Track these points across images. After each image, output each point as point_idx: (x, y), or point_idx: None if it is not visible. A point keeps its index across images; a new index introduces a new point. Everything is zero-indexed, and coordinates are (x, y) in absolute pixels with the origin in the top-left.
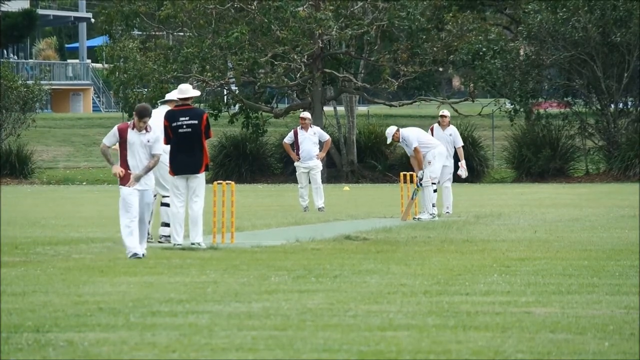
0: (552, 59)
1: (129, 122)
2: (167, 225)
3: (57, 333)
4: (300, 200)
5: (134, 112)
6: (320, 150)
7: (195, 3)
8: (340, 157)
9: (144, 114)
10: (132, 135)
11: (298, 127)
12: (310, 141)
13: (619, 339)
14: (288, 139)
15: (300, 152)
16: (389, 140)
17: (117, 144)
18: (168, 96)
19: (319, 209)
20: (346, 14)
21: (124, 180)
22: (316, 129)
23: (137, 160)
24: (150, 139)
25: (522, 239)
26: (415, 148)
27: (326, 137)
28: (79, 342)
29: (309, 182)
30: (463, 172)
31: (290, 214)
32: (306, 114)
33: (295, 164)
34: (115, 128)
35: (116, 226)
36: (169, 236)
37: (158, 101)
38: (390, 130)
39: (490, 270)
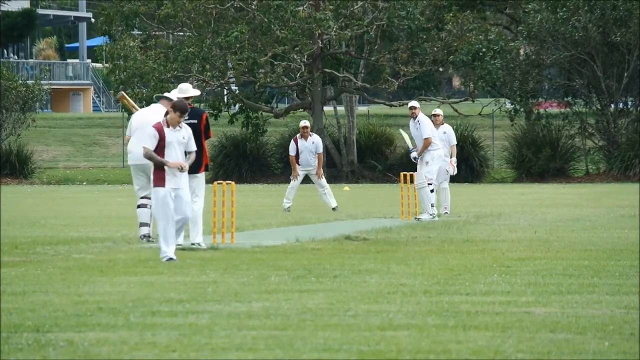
0: (552, 59)
1: (160, 121)
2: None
3: (57, 333)
4: (285, 201)
5: (172, 108)
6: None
7: (195, 3)
8: (340, 157)
9: (186, 110)
10: (169, 133)
11: (297, 135)
12: (309, 150)
13: (619, 339)
14: (292, 150)
15: (299, 160)
16: (410, 105)
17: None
18: (169, 94)
19: (333, 209)
20: (346, 13)
21: (160, 181)
22: (315, 139)
23: (175, 158)
24: (185, 136)
25: (523, 239)
26: (427, 138)
27: (320, 149)
28: (79, 342)
29: (312, 183)
30: (451, 169)
31: (290, 214)
32: (307, 123)
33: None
34: (154, 129)
35: (116, 226)
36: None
37: (154, 95)
38: (415, 103)
39: (491, 270)
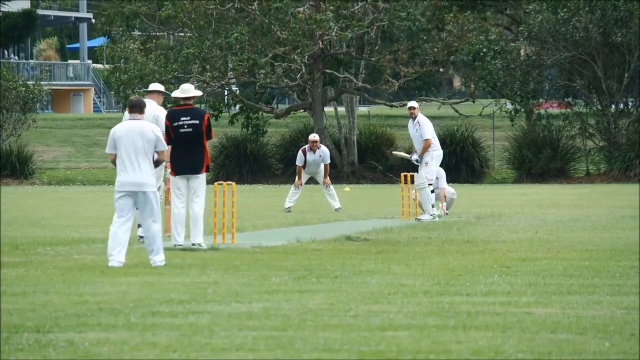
0: (552, 60)
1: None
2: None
3: (58, 333)
4: (287, 200)
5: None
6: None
7: (196, 3)
8: (341, 157)
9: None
10: None
11: (306, 147)
12: (316, 163)
13: (620, 339)
14: (299, 161)
15: (306, 169)
16: (409, 105)
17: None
18: (154, 87)
19: (337, 210)
20: (346, 14)
21: None
22: (322, 152)
23: None
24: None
25: (523, 240)
26: (427, 140)
27: (327, 160)
28: (79, 342)
29: (316, 183)
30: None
31: (290, 215)
32: (316, 137)
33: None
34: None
35: None
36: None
37: (141, 90)
38: (414, 103)
39: (491, 271)
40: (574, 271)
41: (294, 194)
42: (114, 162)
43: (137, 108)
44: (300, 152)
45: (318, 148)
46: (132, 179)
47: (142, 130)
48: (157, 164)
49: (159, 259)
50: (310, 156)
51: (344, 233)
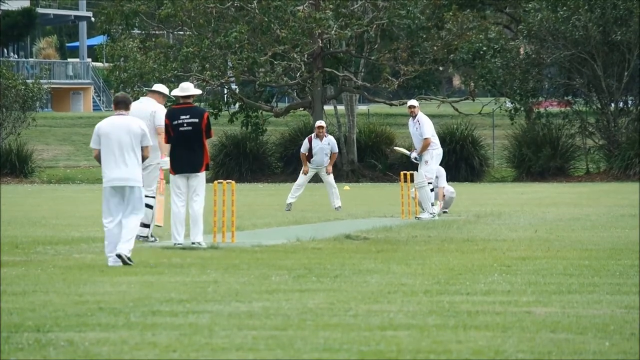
0: (552, 58)
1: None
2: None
3: (58, 333)
4: (290, 196)
5: None
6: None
7: (195, 2)
8: (341, 156)
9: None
10: None
11: (313, 135)
12: (323, 152)
13: (620, 339)
14: (304, 148)
15: (311, 160)
16: (409, 103)
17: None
18: (157, 87)
19: (337, 208)
20: (346, 12)
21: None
22: (330, 139)
23: None
24: None
25: (523, 238)
26: (426, 138)
27: (335, 149)
28: (79, 342)
29: (319, 182)
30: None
31: (290, 213)
32: (322, 123)
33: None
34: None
35: None
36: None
37: (144, 89)
38: (414, 102)
39: (491, 270)
40: (574, 270)
41: (297, 189)
42: (97, 157)
43: (123, 104)
44: (305, 140)
45: (325, 136)
46: (118, 174)
47: (129, 125)
48: (142, 159)
49: (125, 247)
50: (316, 143)
51: (344, 232)
